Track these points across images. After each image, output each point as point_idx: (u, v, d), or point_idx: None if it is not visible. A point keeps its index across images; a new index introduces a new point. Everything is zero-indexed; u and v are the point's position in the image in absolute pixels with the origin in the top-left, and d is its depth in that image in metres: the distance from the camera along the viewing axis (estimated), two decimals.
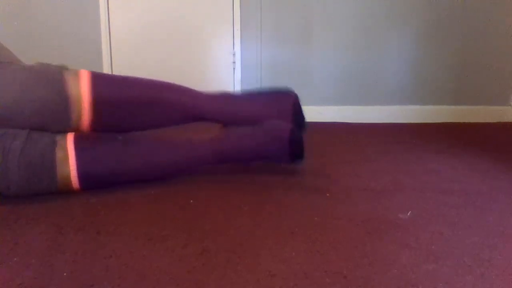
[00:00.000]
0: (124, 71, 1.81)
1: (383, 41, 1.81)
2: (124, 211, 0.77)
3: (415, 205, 0.82)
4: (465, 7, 1.79)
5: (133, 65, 1.82)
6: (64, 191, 0.83)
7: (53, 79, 0.83)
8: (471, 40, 1.82)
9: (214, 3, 1.78)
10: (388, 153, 1.25)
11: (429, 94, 1.86)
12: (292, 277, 0.55)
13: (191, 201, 0.83)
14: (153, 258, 0.60)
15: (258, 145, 0.93)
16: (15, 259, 0.59)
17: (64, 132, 0.84)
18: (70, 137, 0.82)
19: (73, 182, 0.82)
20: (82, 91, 0.83)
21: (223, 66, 1.83)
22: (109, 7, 1.78)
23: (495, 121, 1.87)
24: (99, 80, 0.87)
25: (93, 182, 0.84)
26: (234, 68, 1.83)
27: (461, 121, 1.85)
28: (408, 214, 0.77)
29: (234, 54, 1.82)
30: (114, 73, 1.82)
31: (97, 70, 1.81)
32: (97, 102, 0.85)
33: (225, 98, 1.01)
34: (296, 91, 1.04)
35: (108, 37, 1.79)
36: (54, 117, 0.82)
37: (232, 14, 1.79)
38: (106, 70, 1.80)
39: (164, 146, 0.91)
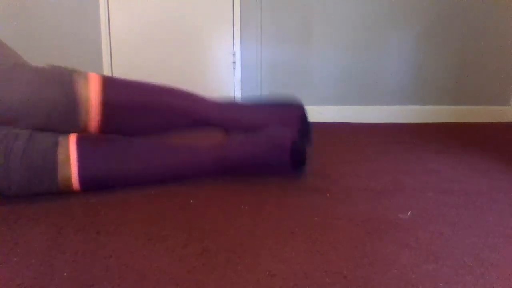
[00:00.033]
0: (124, 71, 1.81)
1: (383, 41, 1.81)
2: (124, 211, 0.77)
3: (415, 205, 0.82)
4: (465, 7, 1.79)
5: (133, 65, 1.82)
6: (64, 192, 0.83)
7: (63, 80, 0.83)
8: (471, 40, 1.83)
9: (214, 3, 1.78)
10: (388, 153, 1.25)
11: (429, 94, 1.86)
12: (292, 277, 0.55)
13: (191, 201, 0.83)
14: (153, 258, 0.60)
15: (259, 152, 0.92)
16: (15, 259, 0.59)
17: (70, 133, 0.84)
18: (72, 139, 0.82)
19: (74, 184, 0.82)
20: (91, 93, 0.84)
21: (223, 66, 1.83)
22: (109, 7, 1.78)
23: (495, 121, 1.87)
24: (108, 84, 0.87)
25: (94, 184, 0.84)
26: (234, 68, 1.83)
27: (461, 121, 1.85)
28: (408, 214, 0.77)
29: (234, 54, 1.82)
30: (114, 73, 1.82)
31: (97, 70, 1.81)
32: (106, 105, 0.85)
33: (232, 105, 1.01)
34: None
35: (108, 37, 1.79)
36: (62, 118, 0.83)
37: (232, 14, 1.79)
38: (106, 70, 1.80)
39: (166, 150, 0.90)
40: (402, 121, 1.84)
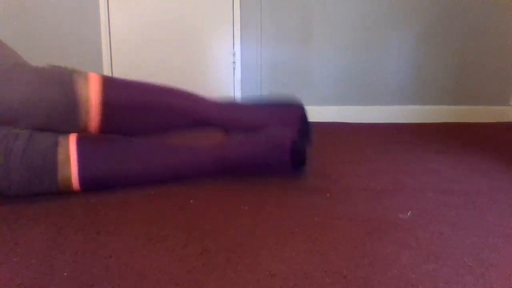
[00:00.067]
0: (124, 71, 1.81)
1: (383, 41, 1.81)
2: (124, 211, 0.77)
3: (415, 205, 0.82)
4: (465, 7, 1.79)
5: (133, 65, 1.82)
6: (64, 192, 0.83)
7: (63, 80, 0.83)
8: (471, 40, 1.83)
9: (214, 3, 1.78)
10: (388, 153, 1.25)
11: (429, 94, 1.86)
12: (292, 277, 0.55)
13: (191, 201, 0.83)
14: (153, 258, 0.60)
15: (259, 152, 0.92)
16: (15, 259, 0.59)
17: (70, 133, 0.84)
18: (72, 139, 0.82)
19: (73, 184, 0.82)
20: (91, 93, 0.84)
21: (223, 66, 1.83)
22: (109, 7, 1.78)
23: (495, 121, 1.87)
24: (108, 84, 0.87)
25: (94, 184, 0.84)
26: (234, 68, 1.83)
27: (461, 121, 1.85)
28: (408, 214, 0.77)
29: (234, 54, 1.82)
30: (114, 73, 1.82)
31: (97, 70, 1.81)
32: (106, 105, 0.85)
33: (232, 105, 1.01)
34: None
35: (108, 37, 1.79)
36: (62, 118, 0.83)
37: (232, 14, 1.79)
38: (106, 70, 1.81)
39: (166, 150, 0.90)
40: (402, 121, 1.84)
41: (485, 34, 1.82)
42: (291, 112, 1.01)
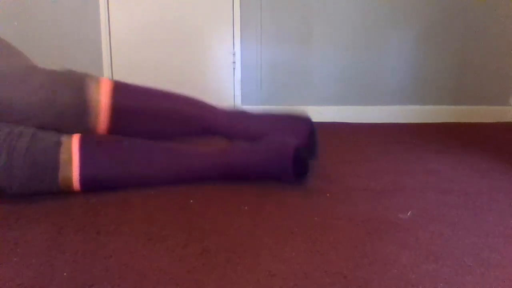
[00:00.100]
0: (124, 71, 1.81)
1: (383, 41, 1.81)
2: (124, 211, 0.77)
3: (415, 205, 0.82)
4: (465, 7, 1.79)
5: (133, 65, 1.82)
6: (64, 192, 0.83)
7: (75, 84, 0.85)
8: (471, 40, 1.82)
9: (214, 3, 1.78)
10: (388, 153, 1.25)
11: (429, 94, 1.86)
12: (292, 277, 0.55)
13: (191, 201, 0.83)
14: (153, 258, 0.60)
15: (262, 160, 0.91)
16: (15, 259, 0.59)
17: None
18: (75, 139, 0.82)
19: (74, 184, 0.82)
20: (102, 97, 0.85)
21: (223, 66, 1.83)
22: (109, 7, 1.78)
23: (495, 121, 1.87)
24: (119, 89, 0.89)
25: (94, 185, 0.84)
26: (234, 68, 1.83)
27: (461, 121, 1.85)
28: (408, 214, 0.77)
29: (234, 54, 1.82)
30: (114, 73, 1.82)
31: (97, 70, 1.81)
32: (115, 110, 0.87)
33: (241, 115, 1.01)
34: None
35: (108, 37, 1.79)
36: (73, 120, 0.84)
37: (232, 14, 1.79)
38: (106, 70, 1.81)
39: (168, 154, 0.90)
40: (402, 121, 1.84)
41: (485, 34, 1.82)
42: (300, 125, 1.01)
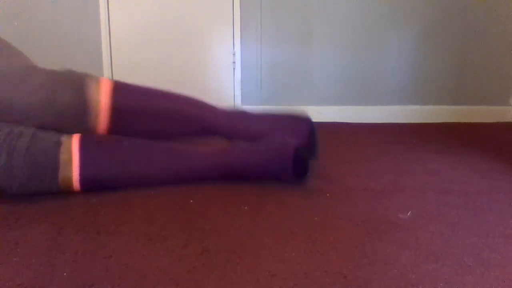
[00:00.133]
0: (124, 71, 1.81)
1: (383, 41, 1.81)
2: (124, 211, 0.77)
3: (415, 205, 0.82)
4: (465, 7, 1.79)
5: (133, 65, 1.82)
6: (64, 192, 0.83)
7: (75, 84, 0.85)
8: (471, 40, 1.82)
9: (214, 3, 1.78)
10: (388, 153, 1.25)
11: (429, 94, 1.86)
12: (292, 277, 0.55)
13: (191, 201, 0.83)
14: (153, 258, 0.60)
15: (261, 159, 0.91)
16: (15, 259, 0.59)
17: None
18: (75, 139, 0.82)
19: (74, 184, 0.82)
20: (102, 97, 0.85)
21: (223, 66, 1.83)
22: (109, 7, 1.78)
23: (495, 121, 1.87)
24: (119, 89, 0.89)
25: (94, 185, 0.84)
26: (234, 68, 1.83)
27: (461, 121, 1.85)
28: (408, 214, 0.77)
29: (234, 54, 1.82)
30: (114, 73, 1.82)
31: (97, 70, 1.81)
32: (115, 110, 0.87)
33: (241, 115, 1.01)
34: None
35: (108, 37, 1.79)
36: (73, 120, 0.84)
37: (232, 14, 1.79)
38: (106, 70, 1.81)
39: (168, 154, 0.90)
40: (402, 121, 1.84)
41: (485, 34, 1.82)
42: (300, 125, 1.01)
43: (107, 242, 0.65)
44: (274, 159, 0.90)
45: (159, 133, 0.94)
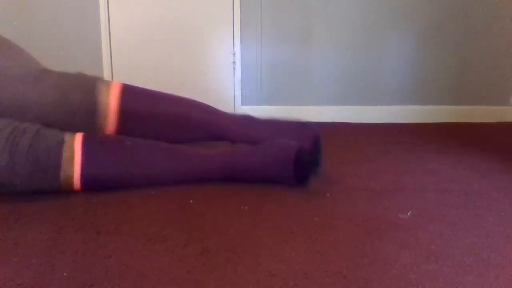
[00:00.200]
0: (124, 71, 1.81)
1: (383, 41, 1.81)
2: (124, 211, 0.77)
3: (415, 205, 0.82)
4: (465, 7, 1.79)
5: (133, 65, 1.82)
6: (65, 191, 0.83)
7: (86, 86, 0.87)
8: (471, 40, 1.82)
9: (214, 3, 1.78)
10: (388, 153, 1.25)
11: (429, 94, 1.86)
12: (292, 277, 0.55)
13: (191, 201, 0.83)
14: (153, 258, 0.60)
15: (263, 163, 0.91)
16: (15, 259, 0.59)
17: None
18: (78, 138, 0.82)
19: (75, 183, 0.82)
20: (111, 100, 0.87)
21: (223, 66, 1.83)
22: (109, 7, 1.78)
23: (495, 121, 1.87)
24: (129, 92, 0.91)
25: (96, 185, 0.84)
26: (234, 68, 1.83)
27: (461, 121, 1.85)
28: (408, 214, 0.77)
29: (234, 54, 1.82)
30: (114, 73, 1.82)
31: (97, 70, 1.81)
32: (124, 113, 0.89)
33: (248, 120, 1.02)
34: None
35: (108, 37, 1.79)
36: (82, 122, 0.86)
37: (232, 14, 1.79)
38: (106, 70, 1.81)
39: (171, 156, 0.90)
40: (402, 121, 1.84)
41: (485, 34, 1.82)
42: (305, 131, 1.01)
43: (107, 242, 0.65)
44: (275, 162, 0.90)
45: (166, 137, 0.94)
